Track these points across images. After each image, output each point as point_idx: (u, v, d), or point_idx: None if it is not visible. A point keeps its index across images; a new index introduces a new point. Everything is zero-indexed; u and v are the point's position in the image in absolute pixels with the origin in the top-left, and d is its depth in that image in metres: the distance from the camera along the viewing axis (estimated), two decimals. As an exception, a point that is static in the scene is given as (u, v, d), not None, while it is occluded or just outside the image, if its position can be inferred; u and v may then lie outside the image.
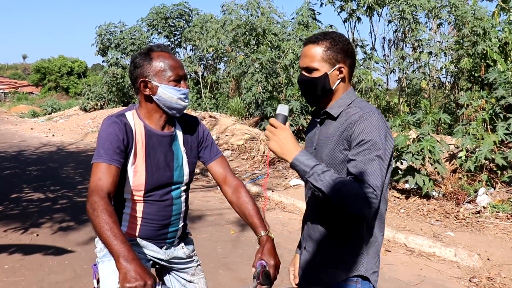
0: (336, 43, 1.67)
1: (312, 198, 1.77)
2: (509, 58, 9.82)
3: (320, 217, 1.73)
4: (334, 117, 1.69)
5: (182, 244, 2.03)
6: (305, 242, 1.82)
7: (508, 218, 5.36)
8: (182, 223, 1.99)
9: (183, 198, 1.96)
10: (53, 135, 17.49)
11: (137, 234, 1.87)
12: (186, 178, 1.95)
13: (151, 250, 1.91)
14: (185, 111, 1.94)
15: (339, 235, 1.68)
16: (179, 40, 21.47)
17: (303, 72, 1.72)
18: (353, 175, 1.53)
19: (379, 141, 1.55)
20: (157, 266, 2.00)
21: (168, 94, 1.80)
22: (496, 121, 6.89)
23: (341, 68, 1.68)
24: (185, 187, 1.97)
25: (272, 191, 7.29)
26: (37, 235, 5.09)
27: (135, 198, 1.84)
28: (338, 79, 1.69)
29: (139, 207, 1.86)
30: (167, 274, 2.05)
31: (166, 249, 1.95)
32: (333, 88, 1.69)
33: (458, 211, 5.72)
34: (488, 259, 4.47)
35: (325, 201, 1.55)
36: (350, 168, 1.55)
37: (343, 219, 1.65)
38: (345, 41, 1.70)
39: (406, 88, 12.52)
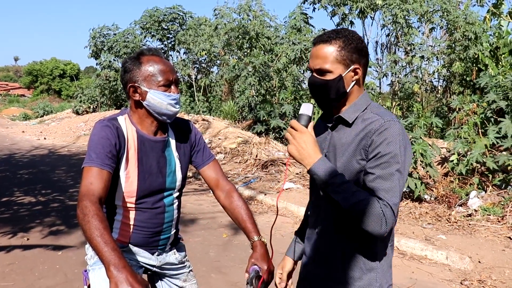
0: (350, 41, 1.54)
1: (326, 209, 1.65)
2: (500, 63, 9.91)
3: (336, 230, 1.63)
4: (349, 123, 1.58)
5: (174, 250, 2.01)
6: (313, 253, 1.72)
7: (499, 221, 5.40)
8: (174, 230, 1.97)
9: (175, 205, 1.94)
10: (44, 138, 17.38)
11: (128, 241, 1.84)
12: (178, 184, 1.92)
13: (143, 256, 1.88)
14: (177, 115, 1.91)
15: (354, 250, 1.60)
16: (173, 43, 21.45)
17: (315, 74, 1.59)
18: (371, 190, 1.46)
19: (399, 153, 1.45)
20: (149, 272, 1.97)
21: (158, 99, 1.76)
22: (487, 125, 6.94)
23: (356, 69, 1.56)
24: (177, 194, 1.95)
25: (265, 194, 7.28)
26: (28, 239, 5.05)
27: (127, 205, 1.81)
28: (353, 81, 1.57)
29: (131, 215, 1.83)
30: (159, 281, 2.03)
31: (158, 255, 1.92)
32: (348, 91, 1.57)
33: (449, 214, 5.75)
34: (479, 262, 4.50)
35: (340, 213, 1.50)
36: (368, 182, 1.47)
37: (360, 233, 1.55)
38: (359, 39, 1.57)
39: (398, 92, 12.59)
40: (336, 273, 1.63)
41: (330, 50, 1.54)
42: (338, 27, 1.63)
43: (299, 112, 1.60)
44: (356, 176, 1.53)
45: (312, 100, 8.70)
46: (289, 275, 1.89)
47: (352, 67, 1.55)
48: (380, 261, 1.61)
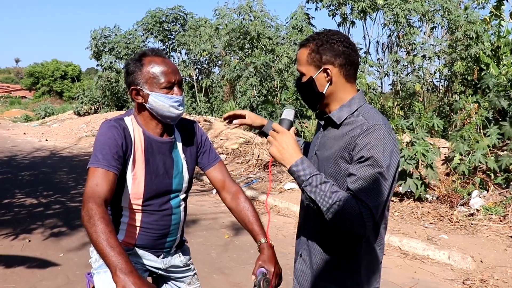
0: (322, 43, 1.55)
1: (312, 209, 1.66)
2: (501, 62, 9.90)
3: (319, 228, 1.65)
4: (336, 124, 1.59)
5: (180, 252, 2.00)
6: (301, 249, 1.75)
7: (500, 221, 5.38)
8: (180, 232, 1.96)
9: (182, 207, 1.92)
10: (46, 140, 17.38)
11: (134, 242, 1.82)
12: (185, 185, 1.91)
13: (148, 259, 1.87)
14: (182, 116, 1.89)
15: (336, 251, 1.61)
16: (174, 44, 21.48)
17: (299, 76, 1.66)
18: (352, 191, 1.45)
19: (382, 158, 1.44)
20: (154, 275, 1.96)
21: (160, 102, 1.73)
22: (489, 126, 6.93)
23: (327, 70, 1.55)
24: (184, 195, 1.93)
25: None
26: (29, 241, 5.05)
27: (134, 207, 1.79)
28: (328, 81, 1.57)
29: (138, 217, 1.81)
30: (164, 284, 2.02)
31: (163, 257, 1.91)
32: (324, 92, 1.58)
33: (451, 214, 5.74)
34: (481, 262, 4.49)
35: (319, 214, 1.48)
36: (349, 184, 1.47)
37: (341, 235, 1.57)
38: (335, 39, 1.56)
39: (400, 92, 12.57)
40: (320, 272, 1.65)
41: (304, 53, 1.60)
42: (325, 28, 1.63)
43: (281, 117, 1.64)
44: (340, 178, 1.54)
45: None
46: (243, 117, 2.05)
47: (322, 67, 1.56)
48: (364, 264, 1.60)
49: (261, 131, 2.06)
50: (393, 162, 1.48)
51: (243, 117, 2.04)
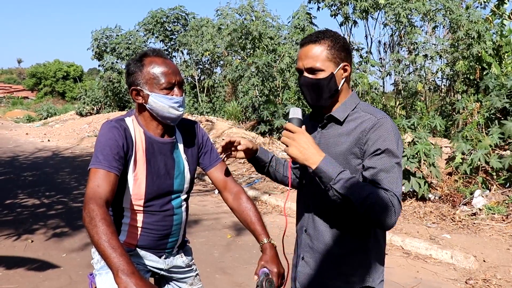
0: (337, 40, 1.60)
1: (316, 207, 1.68)
2: (503, 61, 9.88)
3: (325, 227, 1.65)
4: (340, 121, 1.62)
5: (182, 253, 2.00)
6: (303, 251, 1.74)
7: (503, 220, 5.37)
8: (182, 233, 1.95)
9: (183, 208, 1.91)
10: (48, 140, 17.42)
11: (136, 243, 1.82)
12: (186, 186, 1.90)
13: (150, 260, 1.86)
14: (183, 116, 1.88)
15: (345, 247, 1.62)
16: (175, 44, 21.48)
17: (306, 74, 1.62)
18: (376, 183, 1.48)
19: (396, 148, 1.51)
20: (156, 276, 1.95)
21: (159, 103, 1.73)
22: (491, 125, 6.92)
23: (346, 67, 1.61)
24: (185, 196, 1.92)
25: (269, 194, 7.28)
26: (32, 241, 5.06)
27: (135, 207, 1.79)
28: (343, 78, 1.62)
29: (139, 217, 1.80)
30: (166, 285, 2.01)
31: (165, 258, 1.90)
32: (339, 88, 1.62)
33: (454, 213, 5.73)
34: (484, 261, 4.48)
35: (350, 208, 1.48)
36: (371, 177, 1.49)
37: (352, 230, 1.59)
38: (344, 38, 1.65)
39: (402, 91, 12.56)
40: (328, 270, 1.65)
41: (320, 49, 1.59)
42: (326, 28, 1.68)
43: (290, 117, 1.60)
44: (352, 173, 1.55)
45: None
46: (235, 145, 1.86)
47: (341, 64, 1.61)
48: (373, 257, 1.62)
49: (256, 157, 1.94)
50: (401, 151, 1.55)
51: (238, 143, 1.87)
